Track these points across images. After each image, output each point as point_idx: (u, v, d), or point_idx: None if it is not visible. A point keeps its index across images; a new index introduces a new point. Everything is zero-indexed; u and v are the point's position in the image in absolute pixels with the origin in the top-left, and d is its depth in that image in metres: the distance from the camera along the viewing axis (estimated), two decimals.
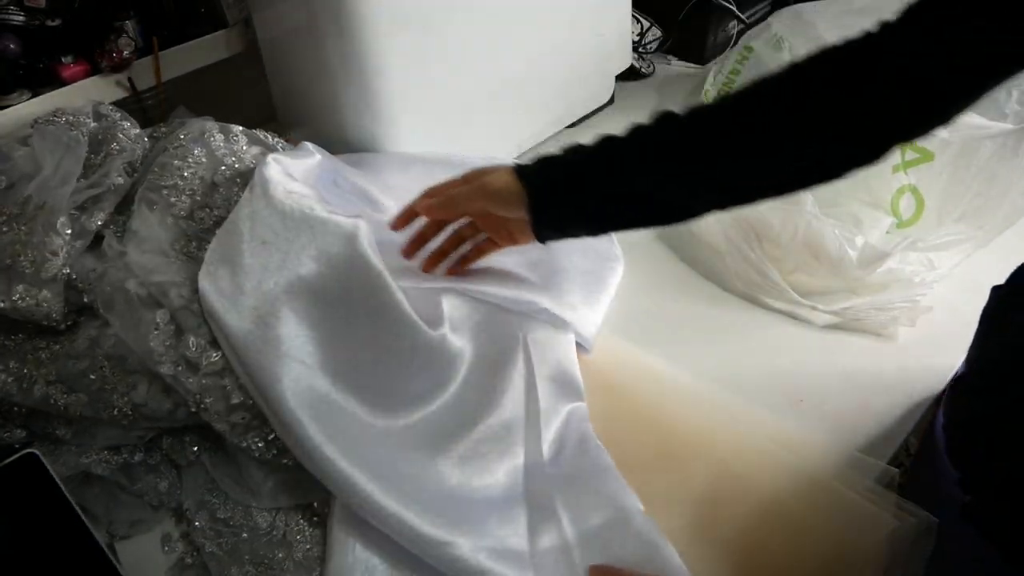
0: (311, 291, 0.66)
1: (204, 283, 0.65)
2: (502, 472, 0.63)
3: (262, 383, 0.61)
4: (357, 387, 0.65)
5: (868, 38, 0.53)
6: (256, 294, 0.65)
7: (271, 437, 0.62)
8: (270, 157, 0.69)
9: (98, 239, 0.68)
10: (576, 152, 0.63)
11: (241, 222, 0.68)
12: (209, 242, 0.68)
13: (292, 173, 0.73)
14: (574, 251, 0.82)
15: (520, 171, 0.65)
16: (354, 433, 0.62)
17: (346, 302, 0.66)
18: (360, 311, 0.66)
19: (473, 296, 0.73)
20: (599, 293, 0.80)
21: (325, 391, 0.63)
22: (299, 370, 0.63)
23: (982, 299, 0.62)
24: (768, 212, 0.78)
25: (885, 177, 0.83)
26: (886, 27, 0.52)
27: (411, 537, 0.57)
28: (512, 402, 0.67)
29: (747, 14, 1.25)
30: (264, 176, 0.69)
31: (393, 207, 0.80)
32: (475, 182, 0.68)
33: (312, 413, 0.60)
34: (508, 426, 0.66)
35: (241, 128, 0.76)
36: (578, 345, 0.74)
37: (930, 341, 0.78)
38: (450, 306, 0.71)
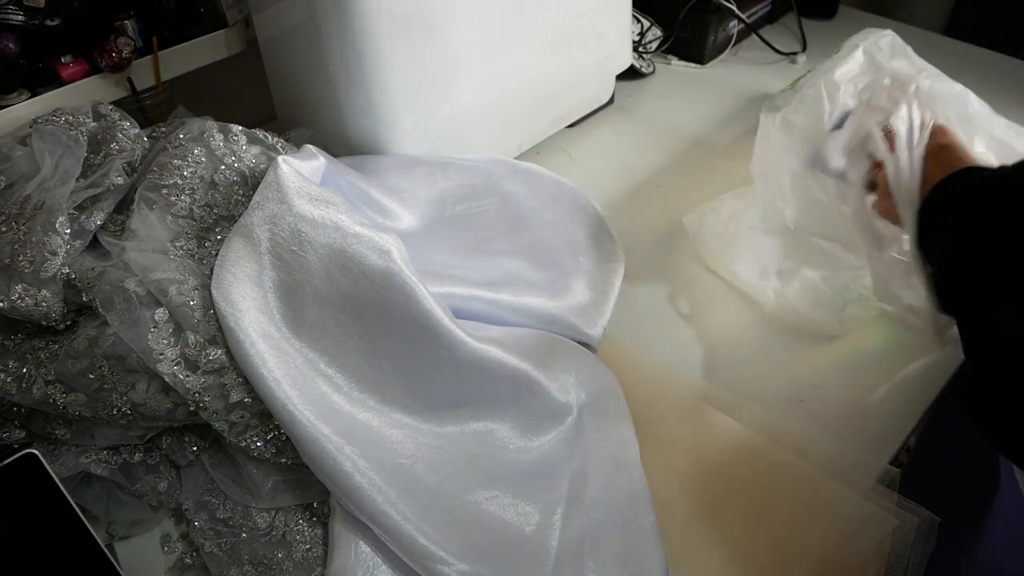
0: (340, 304, 0.65)
1: (215, 293, 0.62)
2: (537, 513, 0.62)
3: (269, 391, 0.60)
4: (384, 392, 0.65)
5: None
6: (276, 304, 0.65)
7: (270, 436, 0.61)
8: (280, 159, 0.67)
9: (97, 239, 0.68)
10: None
11: (257, 227, 0.65)
12: (210, 240, 0.68)
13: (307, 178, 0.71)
14: (579, 253, 0.84)
15: None
16: (370, 434, 0.62)
17: (381, 315, 0.65)
18: (396, 324, 0.65)
19: (487, 302, 0.74)
20: (605, 294, 0.82)
21: (344, 394, 0.64)
22: (320, 378, 0.63)
23: None
24: None
25: None
26: None
27: (406, 542, 0.57)
28: (560, 443, 0.67)
29: (747, 14, 1.25)
30: (281, 180, 0.66)
31: (396, 210, 0.80)
32: None
33: (318, 413, 0.60)
34: (553, 465, 0.65)
35: (241, 128, 0.76)
36: (586, 345, 0.76)
37: None
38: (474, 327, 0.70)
